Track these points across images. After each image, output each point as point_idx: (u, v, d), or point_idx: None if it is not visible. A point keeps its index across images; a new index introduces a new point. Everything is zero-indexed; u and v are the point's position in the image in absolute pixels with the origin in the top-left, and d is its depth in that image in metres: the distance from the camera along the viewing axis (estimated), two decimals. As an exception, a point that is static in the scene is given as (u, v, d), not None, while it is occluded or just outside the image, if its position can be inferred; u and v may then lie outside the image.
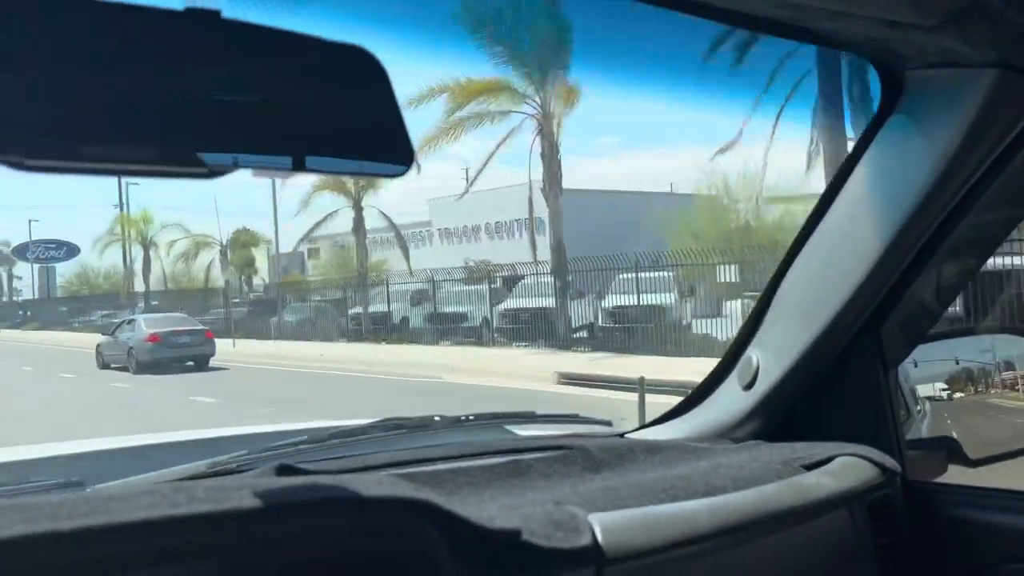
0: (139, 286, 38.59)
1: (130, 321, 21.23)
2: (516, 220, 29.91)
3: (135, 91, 0.64)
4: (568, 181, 20.57)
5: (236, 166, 0.69)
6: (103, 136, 0.63)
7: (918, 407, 1.62)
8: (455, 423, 1.53)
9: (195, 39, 0.66)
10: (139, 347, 19.20)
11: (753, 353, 1.51)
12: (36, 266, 49.21)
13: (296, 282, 33.50)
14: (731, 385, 1.55)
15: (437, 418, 1.52)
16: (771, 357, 1.48)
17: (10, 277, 53.66)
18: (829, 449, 1.33)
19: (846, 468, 1.29)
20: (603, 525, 0.98)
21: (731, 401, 1.54)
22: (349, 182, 25.51)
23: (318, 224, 28.72)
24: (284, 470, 1.08)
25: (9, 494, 1.14)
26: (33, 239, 49.74)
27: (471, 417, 1.58)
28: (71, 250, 50.50)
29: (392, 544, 0.83)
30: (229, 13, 0.68)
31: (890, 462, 1.34)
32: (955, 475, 1.52)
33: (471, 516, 0.89)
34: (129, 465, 1.45)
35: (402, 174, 0.75)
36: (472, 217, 31.22)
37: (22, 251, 50.78)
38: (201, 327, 21.26)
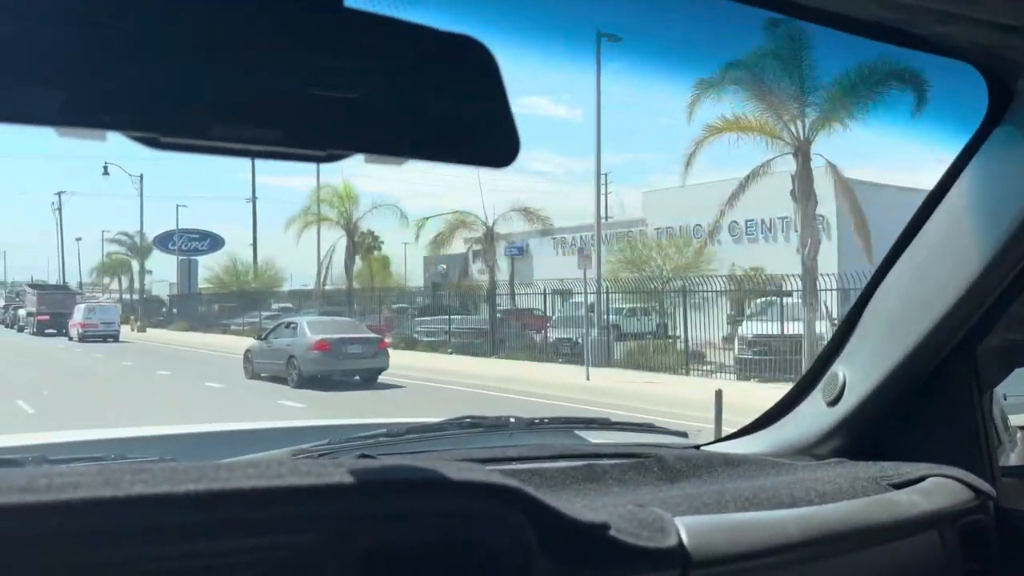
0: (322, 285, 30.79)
1: (290, 324, 17.69)
2: (774, 218, 25.17)
3: (262, 75, 0.67)
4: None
5: (353, 150, 0.71)
6: (232, 117, 0.66)
7: (1009, 434, 1.50)
8: (530, 425, 1.56)
9: (318, 26, 0.69)
10: (303, 356, 15.90)
11: (839, 369, 1.46)
12: (178, 259, 44.07)
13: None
14: (814, 401, 1.50)
15: (512, 419, 1.55)
16: (858, 373, 1.43)
17: (142, 270, 48.98)
18: (919, 469, 1.28)
19: (938, 489, 1.25)
20: (689, 528, 0.97)
21: (814, 417, 1.50)
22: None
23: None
24: (365, 459, 1.11)
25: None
26: (179, 228, 45.06)
27: (546, 420, 1.61)
28: (215, 242, 46.13)
29: (483, 529, 0.84)
30: (350, 2, 0.70)
31: (985, 486, 1.29)
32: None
33: (561, 508, 0.89)
34: (216, 449, 1.53)
35: (507, 165, 0.75)
36: (697, 213, 23.82)
37: (164, 241, 45.82)
38: (374, 335, 18.31)
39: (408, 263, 39.30)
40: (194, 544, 0.72)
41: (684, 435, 1.66)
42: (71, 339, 33.23)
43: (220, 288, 40.57)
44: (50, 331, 37.56)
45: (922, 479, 1.26)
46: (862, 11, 0.99)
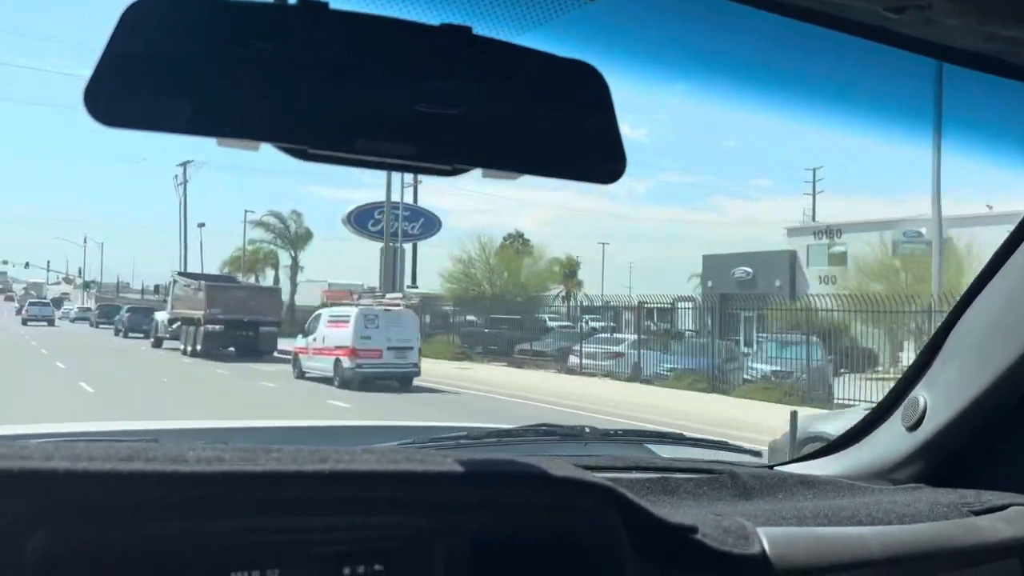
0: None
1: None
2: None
3: (399, 97, 0.73)
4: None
5: (475, 165, 0.77)
6: (372, 134, 0.72)
7: None
8: (604, 436, 1.60)
9: (451, 53, 0.75)
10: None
11: (921, 394, 1.45)
12: (382, 247, 32.02)
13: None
14: (893, 425, 1.49)
15: (587, 429, 1.60)
16: (941, 398, 1.42)
17: (295, 264, 37.44)
18: (1002, 497, 1.27)
19: (1021, 518, 1.23)
20: (771, 538, 0.99)
21: (892, 441, 1.49)
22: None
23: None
24: (465, 452, 1.15)
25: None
26: (386, 201, 31.84)
27: (619, 432, 1.64)
28: (430, 223, 34.47)
29: (580, 524, 0.87)
30: (479, 30, 0.76)
31: None
32: None
33: (653, 509, 0.93)
34: (308, 443, 1.64)
35: (613, 181, 0.81)
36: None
37: (363, 219, 34.27)
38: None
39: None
40: (318, 519, 0.78)
41: (758, 454, 1.67)
42: (302, 376, 19.34)
43: (459, 289, 30.36)
44: (218, 349, 24.48)
45: (1005, 507, 1.25)
46: (966, 43, 1.01)
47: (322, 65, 0.72)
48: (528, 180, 0.85)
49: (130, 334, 37.37)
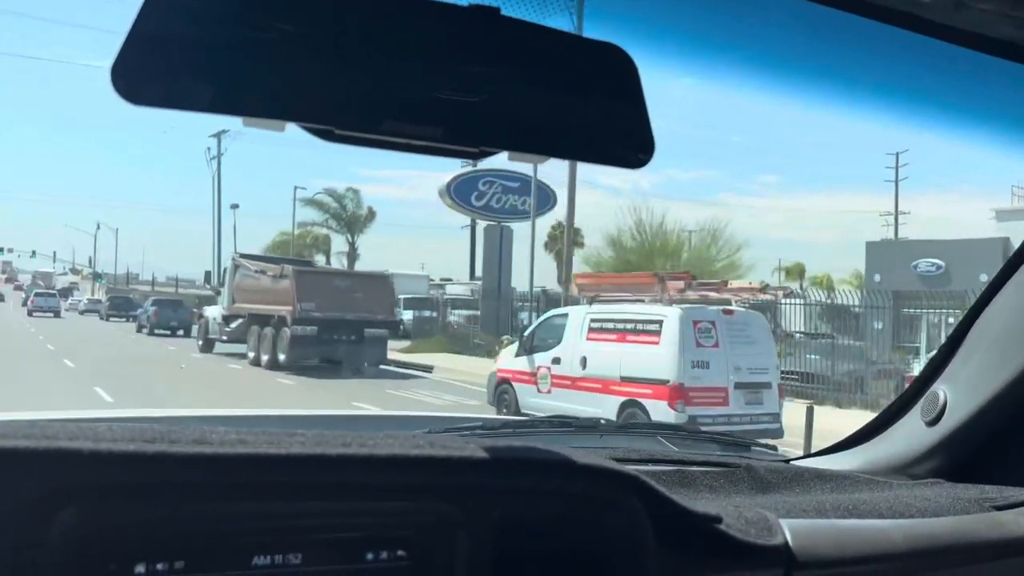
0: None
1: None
2: None
3: (427, 78, 0.72)
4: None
5: (502, 148, 0.76)
6: (399, 115, 0.72)
7: None
8: (619, 429, 1.60)
9: (477, 32, 0.74)
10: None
11: (941, 389, 1.44)
12: (485, 226, 26.90)
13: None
14: (912, 420, 1.48)
15: (603, 422, 1.60)
16: (961, 394, 1.41)
17: (353, 250, 30.56)
18: None
19: None
20: (793, 529, 0.99)
21: (911, 437, 1.48)
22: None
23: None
24: (487, 439, 1.16)
25: None
26: (491, 170, 25.42)
27: (634, 425, 1.64)
28: (544, 196, 25.65)
29: (603, 512, 0.87)
30: (507, 11, 0.75)
31: None
32: None
33: (676, 498, 0.92)
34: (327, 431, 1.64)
35: (641, 166, 0.80)
36: None
37: (466, 191, 27.31)
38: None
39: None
40: (341, 504, 0.78)
41: (774, 449, 1.67)
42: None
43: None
44: (310, 358, 17.75)
45: None
46: (999, 32, 1.00)
47: (349, 46, 0.71)
48: (527, 168, 0.83)
49: (156, 331, 31.64)
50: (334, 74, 0.71)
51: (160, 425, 0.80)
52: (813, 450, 1.69)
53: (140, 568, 0.71)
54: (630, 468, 1.26)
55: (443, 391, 15.38)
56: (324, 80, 0.71)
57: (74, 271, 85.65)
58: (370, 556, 0.78)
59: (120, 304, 46.94)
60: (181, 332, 31.20)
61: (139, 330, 33.38)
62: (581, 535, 0.86)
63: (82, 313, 52.37)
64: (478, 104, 0.74)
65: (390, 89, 0.72)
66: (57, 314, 47.86)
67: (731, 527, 0.94)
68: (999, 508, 1.22)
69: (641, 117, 0.79)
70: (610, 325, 10.25)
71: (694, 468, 1.31)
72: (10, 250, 76.28)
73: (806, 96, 1.33)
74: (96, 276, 72.07)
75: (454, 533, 0.81)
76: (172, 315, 32.81)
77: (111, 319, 44.81)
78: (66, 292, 67.02)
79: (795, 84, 1.30)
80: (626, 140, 0.80)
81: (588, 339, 10.39)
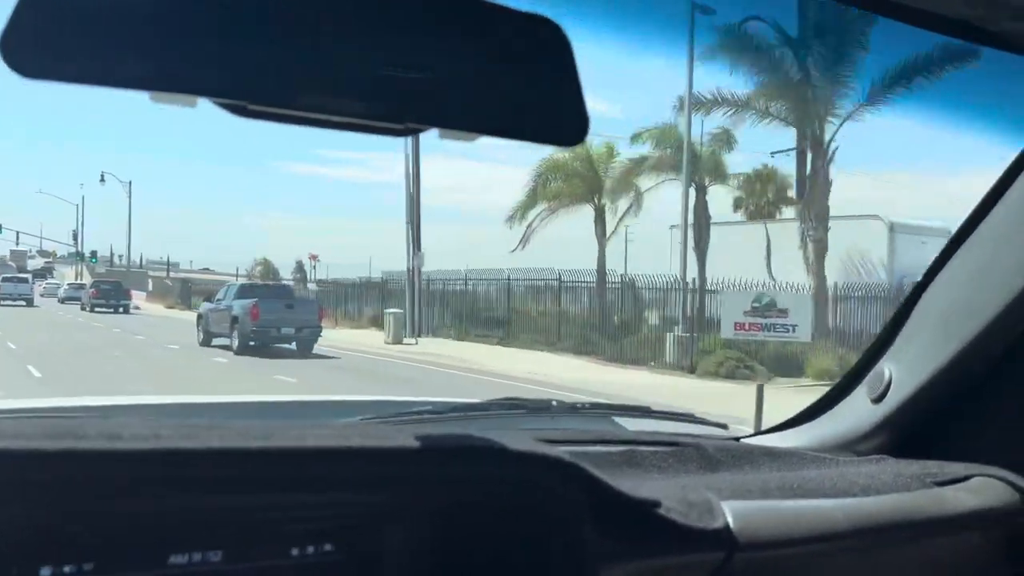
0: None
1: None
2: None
3: (346, 50, 0.69)
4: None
5: (429, 125, 0.73)
6: (317, 89, 0.68)
7: None
8: (571, 410, 1.58)
9: (403, 4, 0.71)
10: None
11: (886, 366, 1.45)
12: None
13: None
14: (858, 397, 1.50)
15: (554, 403, 1.58)
16: (906, 370, 1.42)
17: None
18: (967, 469, 1.28)
19: (985, 488, 1.24)
20: (735, 512, 0.98)
21: (857, 414, 1.49)
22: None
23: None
24: (423, 426, 1.14)
25: None
26: None
27: (587, 406, 1.63)
28: None
29: (542, 500, 0.85)
30: None
31: None
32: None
33: (615, 484, 0.91)
34: (268, 419, 1.61)
35: (575, 144, 0.78)
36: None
37: None
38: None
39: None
40: (263, 499, 0.75)
41: (724, 427, 1.67)
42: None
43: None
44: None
45: (968, 478, 1.25)
46: (936, 6, 0.98)
47: (263, 14, 0.67)
48: (497, 157, 0.79)
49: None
50: (246, 45, 0.66)
51: (77, 419, 0.76)
52: (763, 427, 1.70)
53: (46, 571, 0.67)
54: (579, 450, 1.27)
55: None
56: (235, 51, 0.66)
57: (43, 253, 72.87)
58: (296, 551, 0.76)
59: (108, 291, 36.09)
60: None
61: (204, 343, 19.78)
62: (519, 522, 0.85)
63: (62, 301, 44.06)
64: (403, 79, 0.70)
65: (308, 61, 0.68)
66: (29, 302, 40.92)
67: (671, 511, 0.93)
68: (940, 484, 1.24)
69: (574, 94, 0.76)
70: None
71: (644, 448, 1.31)
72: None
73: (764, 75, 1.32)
74: (79, 256, 57.87)
75: (383, 525, 0.78)
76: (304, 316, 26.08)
77: (96, 309, 35.14)
78: (40, 274, 59.22)
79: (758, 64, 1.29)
80: (559, 117, 0.77)
81: None
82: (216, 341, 19.32)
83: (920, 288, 1.43)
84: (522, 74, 0.76)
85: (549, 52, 0.76)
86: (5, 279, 43.54)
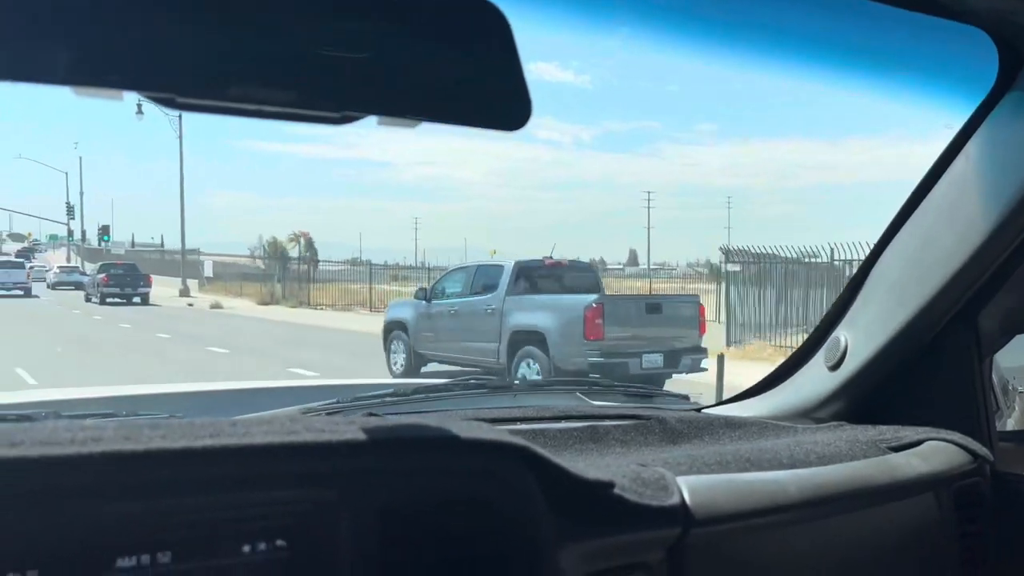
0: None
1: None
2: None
3: (277, 36, 0.67)
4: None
5: (367, 112, 0.71)
6: (247, 78, 0.66)
7: (1008, 400, 1.53)
8: (534, 387, 1.60)
9: None
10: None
11: (842, 334, 1.47)
12: None
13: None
14: (816, 365, 1.52)
15: (516, 381, 1.59)
16: (860, 338, 1.45)
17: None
18: (918, 433, 1.31)
19: (935, 452, 1.27)
20: (691, 487, 0.99)
21: (815, 381, 1.52)
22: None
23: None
24: (375, 417, 1.16)
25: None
26: None
27: (550, 382, 1.63)
28: None
29: (493, 486, 0.85)
30: None
31: (981, 449, 1.31)
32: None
33: (567, 465, 0.91)
34: (226, 407, 1.52)
35: (518, 128, 0.76)
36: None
37: None
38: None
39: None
40: (212, 497, 0.74)
41: (686, 398, 1.69)
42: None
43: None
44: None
45: (920, 443, 1.28)
46: None
47: (188, 4, 0.65)
48: (475, 131, 0.78)
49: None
50: (172, 35, 0.64)
51: (16, 423, 0.74)
52: (724, 397, 1.72)
53: None
54: (541, 427, 1.27)
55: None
56: (161, 42, 0.64)
57: (15, 236, 65.46)
58: (247, 549, 0.75)
59: (122, 279, 30.32)
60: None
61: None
62: (472, 510, 0.85)
63: (53, 287, 39.22)
64: (339, 65, 0.68)
65: (237, 50, 0.66)
66: (27, 292, 34.98)
67: (626, 489, 0.94)
68: (894, 449, 1.27)
69: (515, 77, 0.75)
70: None
71: (607, 423, 1.32)
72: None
73: (733, 54, 1.31)
74: (71, 235, 50.96)
75: (335, 519, 0.78)
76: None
77: (108, 301, 29.24)
78: (24, 253, 53.64)
79: (713, 40, 1.28)
80: (500, 101, 0.76)
81: None
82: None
83: (873, 256, 1.45)
84: (462, 58, 0.74)
85: (490, 35, 0.74)
86: None
